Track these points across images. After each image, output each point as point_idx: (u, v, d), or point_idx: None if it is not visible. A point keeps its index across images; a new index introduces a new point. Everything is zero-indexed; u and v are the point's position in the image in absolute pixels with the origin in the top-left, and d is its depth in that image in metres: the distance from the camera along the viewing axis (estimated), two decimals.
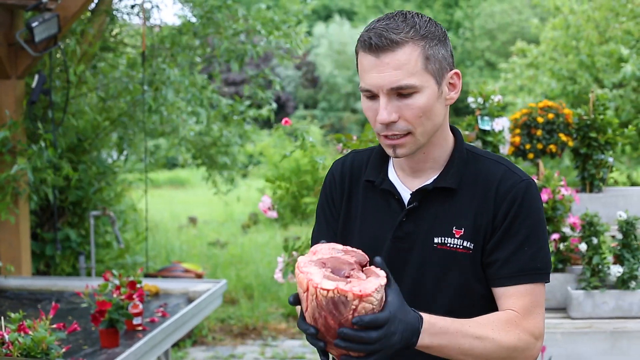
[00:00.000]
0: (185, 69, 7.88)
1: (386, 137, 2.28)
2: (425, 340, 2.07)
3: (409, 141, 2.27)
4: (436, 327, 2.09)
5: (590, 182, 6.45)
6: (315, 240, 2.53)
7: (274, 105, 9.28)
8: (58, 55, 7.40)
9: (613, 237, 6.02)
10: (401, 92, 2.22)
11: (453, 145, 2.42)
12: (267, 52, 8.70)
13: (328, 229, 2.50)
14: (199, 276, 8.90)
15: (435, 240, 2.32)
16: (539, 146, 6.30)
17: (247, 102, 9.23)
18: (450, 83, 2.33)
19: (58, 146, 6.55)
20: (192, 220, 16.63)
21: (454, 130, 2.45)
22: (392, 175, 2.43)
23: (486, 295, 2.35)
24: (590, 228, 5.58)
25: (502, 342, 2.17)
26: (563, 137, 6.27)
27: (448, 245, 2.32)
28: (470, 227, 2.31)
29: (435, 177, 2.37)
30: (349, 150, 4.82)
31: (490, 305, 2.35)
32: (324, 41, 35.42)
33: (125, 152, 9.42)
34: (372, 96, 2.27)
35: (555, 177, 5.80)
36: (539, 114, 6.36)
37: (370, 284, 1.95)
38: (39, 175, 6.60)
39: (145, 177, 8.50)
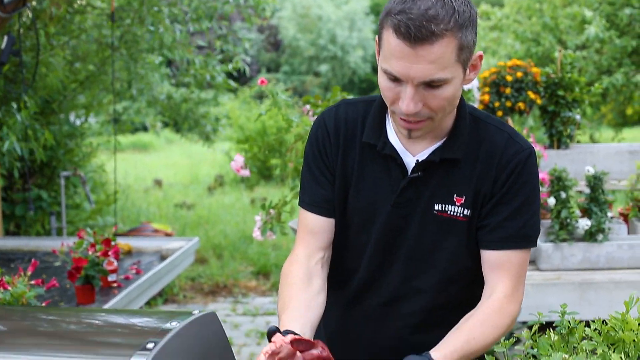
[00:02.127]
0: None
1: (404, 120, 2.22)
2: None
3: (426, 125, 2.23)
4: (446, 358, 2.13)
5: (557, 139, 6.54)
6: (307, 190, 2.46)
7: (248, 59, 9.27)
8: (24, 19, 7.34)
9: (580, 192, 6.13)
10: (431, 84, 2.13)
11: (457, 111, 2.35)
12: (230, 15, 8.65)
13: (323, 179, 2.44)
14: (168, 236, 8.91)
15: (436, 207, 2.32)
16: (508, 104, 6.38)
17: (219, 57, 9.22)
18: (472, 64, 2.25)
19: (29, 107, 6.50)
20: (158, 183, 16.59)
21: None
22: (393, 138, 2.37)
23: (471, 268, 2.38)
24: (558, 183, 5.67)
25: (498, 337, 2.24)
26: (531, 95, 6.36)
27: (448, 212, 2.32)
28: (471, 195, 2.31)
29: (439, 144, 2.33)
30: (318, 111, 4.87)
31: (473, 278, 2.39)
32: (287, 4, 35.24)
33: (92, 115, 9.39)
34: (395, 79, 2.16)
35: (524, 134, 5.88)
36: (508, 73, 6.44)
37: None
38: (20, 144, 6.56)
39: (114, 131, 8.47)
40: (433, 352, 2.10)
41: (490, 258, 2.31)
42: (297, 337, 2.02)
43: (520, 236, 2.30)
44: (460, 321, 2.26)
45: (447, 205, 2.32)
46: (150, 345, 1.80)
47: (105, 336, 2.12)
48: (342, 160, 2.41)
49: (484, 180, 2.30)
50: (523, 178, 2.30)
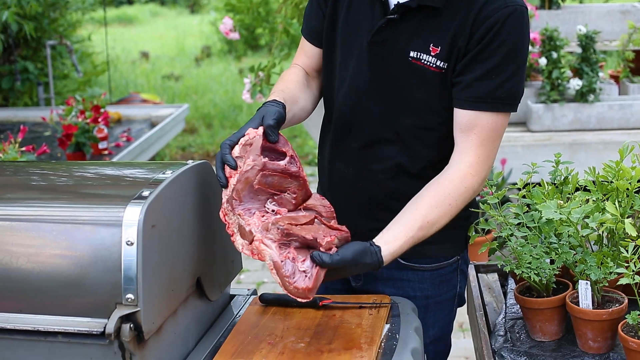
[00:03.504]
0: None
1: None
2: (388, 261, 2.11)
3: None
4: (395, 253, 2.11)
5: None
6: (306, 19, 2.52)
7: None
8: None
9: (571, 52, 6.09)
10: None
11: None
12: None
13: (318, 11, 2.45)
14: (158, 105, 8.88)
15: (411, 54, 2.27)
16: None
17: None
18: None
19: None
20: (145, 55, 16.43)
21: None
22: None
23: (448, 122, 2.32)
24: (549, 43, 5.63)
25: (454, 214, 2.22)
26: None
27: (422, 61, 2.26)
28: (447, 47, 2.24)
29: None
30: None
31: (448, 130, 2.33)
32: None
33: None
34: None
35: None
36: None
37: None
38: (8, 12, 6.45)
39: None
40: (383, 246, 2.08)
41: (462, 118, 2.26)
42: (270, 125, 2.04)
43: (493, 97, 2.23)
44: (422, 191, 2.24)
45: (422, 54, 2.27)
46: (145, 194, 1.80)
47: (100, 187, 2.12)
48: None
49: (461, 33, 2.23)
50: (501, 37, 2.20)
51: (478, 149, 2.25)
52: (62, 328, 1.75)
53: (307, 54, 2.52)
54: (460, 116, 2.26)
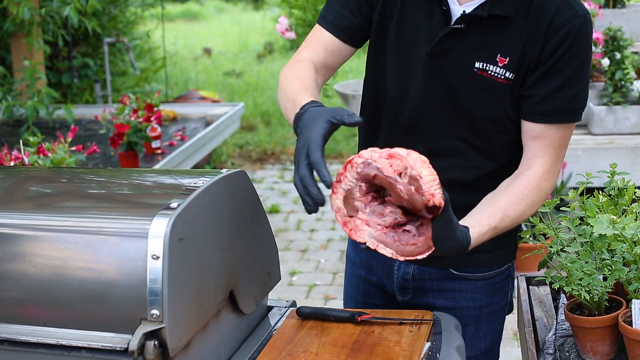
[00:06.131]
0: None
1: None
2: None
3: None
4: (479, 240, 2.03)
5: None
6: (333, 10, 2.28)
7: None
8: None
9: (635, 53, 5.93)
10: None
11: None
12: None
13: (354, 6, 2.27)
14: (215, 102, 8.87)
15: (477, 64, 2.17)
16: None
17: None
18: None
19: None
20: (207, 51, 16.49)
21: None
22: None
23: (511, 132, 2.26)
24: (613, 43, 5.49)
25: (530, 214, 2.17)
26: None
27: (489, 72, 2.17)
28: (516, 58, 2.16)
29: None
30: None
31: (512, 144, 2.27)
32: None
33: None
34: None
35: None
36: None
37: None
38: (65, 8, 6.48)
39: None
40: (471, 229, 2.01)
41: (533, 130, 2.20)
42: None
43: (567, 110, 2.18)
44: (498, 189, 2.19)
45: (488, 65, 2.17)
46: (173, 205, 1.73)
47: (130, 197, 2.06)
48: None
49: (531, 43, 2.15)
50: (575, 48, 2.13)
51: (550, 156, 2.20)
52: (85, 343, 1.69)
53: (328, 48, 2.30)
54: (531, 128, 2.20)
